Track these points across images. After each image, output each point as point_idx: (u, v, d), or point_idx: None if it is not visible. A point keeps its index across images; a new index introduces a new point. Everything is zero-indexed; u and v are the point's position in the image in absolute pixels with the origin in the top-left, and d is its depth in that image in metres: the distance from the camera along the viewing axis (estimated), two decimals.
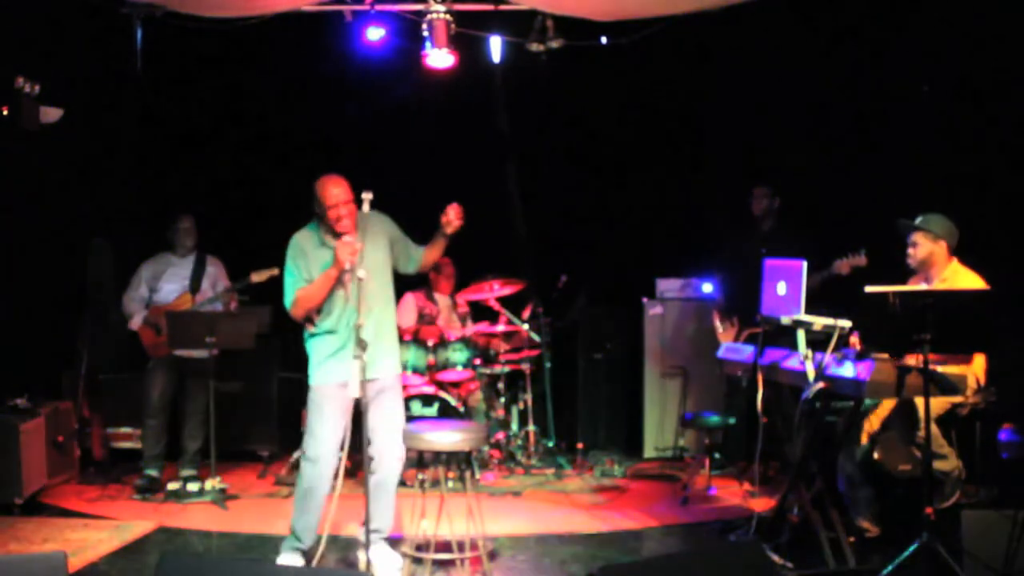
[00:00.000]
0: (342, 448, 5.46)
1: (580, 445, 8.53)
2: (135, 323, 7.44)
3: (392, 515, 5.72)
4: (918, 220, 5.91)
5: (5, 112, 6.96)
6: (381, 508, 5.60)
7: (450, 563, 5.58)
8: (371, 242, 5.53)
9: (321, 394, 5.56)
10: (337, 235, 5.45)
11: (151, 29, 7.77)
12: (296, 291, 5.53)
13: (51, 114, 7.29)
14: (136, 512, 6.80)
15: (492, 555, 5.74)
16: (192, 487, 7.17)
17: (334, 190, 5.43)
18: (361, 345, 5.09)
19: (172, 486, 7.19)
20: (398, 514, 5.84)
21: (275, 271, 7.40)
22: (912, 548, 4.93)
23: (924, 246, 5.88)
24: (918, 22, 7.27)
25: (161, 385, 7.42)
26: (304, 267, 5.53)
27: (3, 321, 7.34)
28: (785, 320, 5.57)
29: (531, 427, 8.29)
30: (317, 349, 5.61)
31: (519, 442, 8.25)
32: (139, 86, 8.09)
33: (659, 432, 8.70)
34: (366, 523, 5.35)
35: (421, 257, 5.83)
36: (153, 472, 7.38)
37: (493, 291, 8.11)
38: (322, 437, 5.50)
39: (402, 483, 7.35)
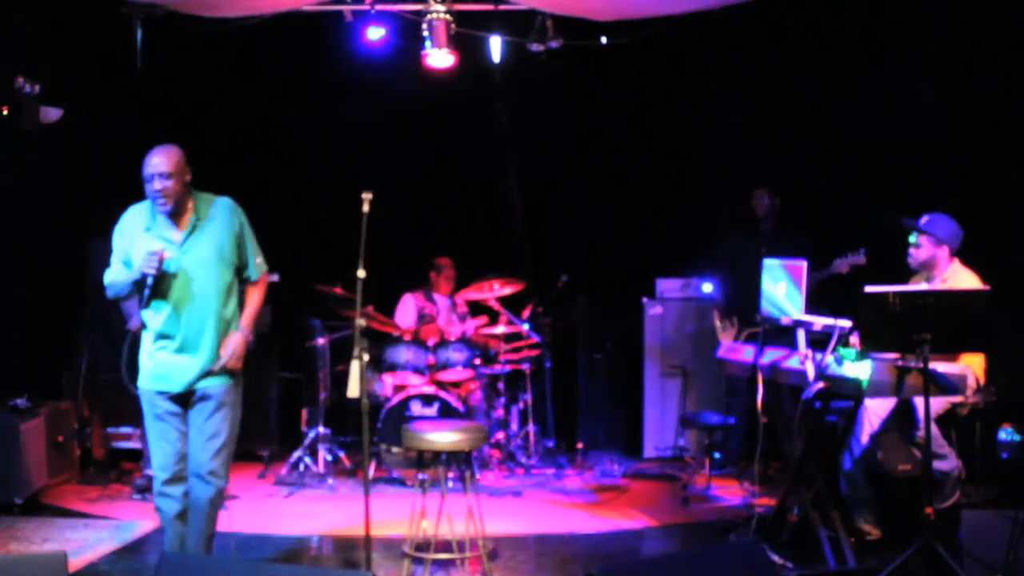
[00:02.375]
0: (178, 462, 4.95)
1: (580, 445, 8.52)
2: (134, 323, 7.43)
3: (200, 542, 4.98)
4: (923, 220, 5.88)
5: (5, 112, 6.96)
6: (190, 532, 4.98)
7: (450, 563, 5.59)
8: (206, 233, 4.94)
9: (144, 399, 4.99)
10: (165, 216, 4.88)
11: (151, 29, 7.77)
12: (107, 274, 5.00)
13: (51, 114, 7.30)
14: (136, 512, 6.80)
15: (492, 555, 5.73)
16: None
17: (150, 160, 4.82)
18: (360, 344, 5.05)
19: None
20: (394, 513, 5.83)
21: (275, 277, 7.39)
22: (912, 548, 4.93)
23: (926, 249, 5.86)
24: (918, 21, 7.27)
25: None
26: (121, 249, 4.95)
27: (3, 321, 7.34)
28: (785, 320, 5.57)
29: (531, 427, 8.28)
30: (143, 342, 5.05)
31: (519, 442, 8.25)
32: (139, 86, 8.08)
33: (659, 432, 8.70)
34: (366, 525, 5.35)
35: (252, 280, 5.17)
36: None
37: (493, 291, 8.10)
38: (155, 454, 4.96)
39: (402, 483, 7.40)
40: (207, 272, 4.92)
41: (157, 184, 4.79)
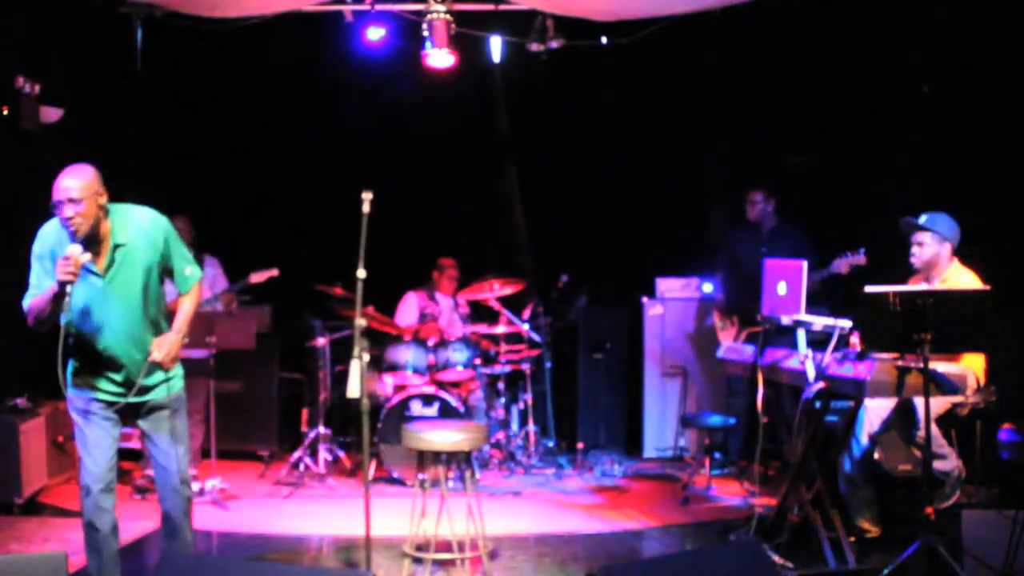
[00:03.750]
0: (112, 470, 4.79)
1: (580, 445, 8.52)
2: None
3: (187, 549, 4.93)
4: (923, 219, 5.87)
5: (5, 112, 6.96)
6: (179, 542, 4.89)
7: (450, 563, 5.59)
8: (130, 258, 4.61)
9: (77, 407, 4.72)
10: (86, 235, 4.48)
11: (151, 29, 7.78)
12: (30, 298, 4.62)
13: (51, 114, 7.29)
14: (136, 512, 6.78)
15: (492, 555, 5.73)
16: (192, 487, 7.16)
17: (61, 184, 4.39)
18: (360, 344, 5.03)
19: None
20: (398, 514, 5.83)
21: (274, 272, 7.39)
22: (912, 548, 4.93)
23: (930, 247, 5.85)
24: (918, 21, 7.27)
25: None
26: (45, 270, 4.58)
27: (3, 321, 7.33)
28: (785, 320, 5.57)
29: (531, 427, 8.28)
30: (75, 347, 4.70)
31: (519, 442, 8.25)
32: (139, 86, 8.09)
33: (659, 432, 8.70)
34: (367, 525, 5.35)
35: (183, 291, 4.88)
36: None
37: (493, 291, 8.10)
38: (87, 463, 4.73)
39: (402, 483, 7.40)
40: (137, 299, 4.65)
41: (68, 211, 4.37)
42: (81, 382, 4.71)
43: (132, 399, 4.72)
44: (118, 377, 4.69)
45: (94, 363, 4.68)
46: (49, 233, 4.63)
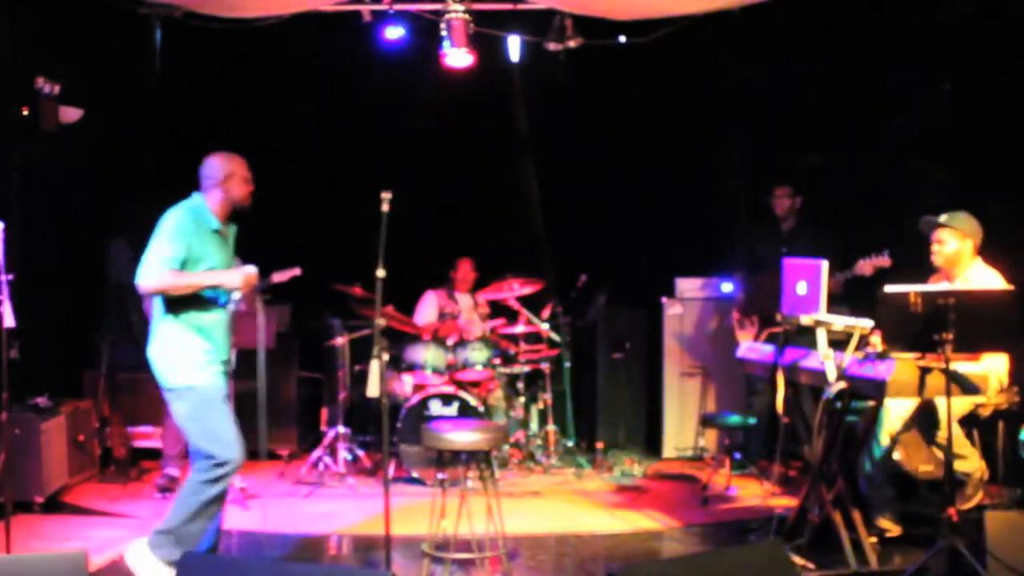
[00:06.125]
0: None
1: (600, 445, 8.50)
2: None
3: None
4: (943, 217, 5.84)
5: (25, 112, 7.00)
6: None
7: (470, 562, 5.58)
8: (232, 236, 5.54)
9: (209, 394, 5.20)
10: (230, 215, 5.39)
11: (170, 29, 7.80)
12: (169, 270, 5.04)
13: (70, 114, 7.33)
14: (157, 511, 6.80)
15: (512, 554, 5.72)
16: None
17: (244, 162, 5.40)
18: (380, 344, 5.05)
19: None
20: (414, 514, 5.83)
21: (297, 271, 7.40)
22: (934, 549, 4.90)
23: (951, 243, 5.81)
24: (939, 17, 7.22)
25: None
26: (188, 248, 5.10)
27: (24, 320, 7.36)
28: (805, 320, 5.54)
29: (551, 427, 8.27)
30: (190, 345, 5.19)
31: (539, 442, 8.24)
32: (157, 86, 8.12)
33: (679, 432, 8.68)
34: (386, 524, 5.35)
35: None
36: (174, 471, 7.39)
37: (513, 290, 8.09)
38: (233, 441, 5.23)
39: (422, 482, 7.40)
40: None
41: (252, 185, 5.32)
42: (206, 373, 5.21)
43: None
44: (226, 355, 5.35)
45: (217, 338, 5.26)
46: (189, 215, 5.20)
